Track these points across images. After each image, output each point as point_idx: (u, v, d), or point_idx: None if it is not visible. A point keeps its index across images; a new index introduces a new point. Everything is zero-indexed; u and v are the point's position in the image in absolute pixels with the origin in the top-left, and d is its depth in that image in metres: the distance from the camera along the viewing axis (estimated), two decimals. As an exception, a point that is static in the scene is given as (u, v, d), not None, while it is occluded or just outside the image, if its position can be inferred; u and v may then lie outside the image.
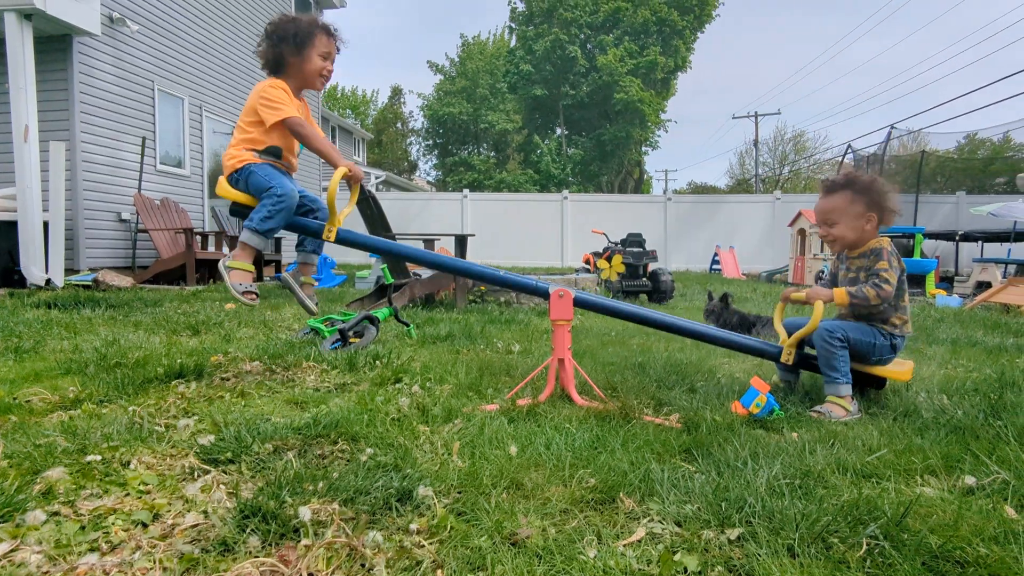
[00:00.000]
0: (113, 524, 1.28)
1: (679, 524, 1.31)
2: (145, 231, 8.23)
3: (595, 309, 2.58)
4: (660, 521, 1.32)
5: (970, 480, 1.53)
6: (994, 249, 13.12)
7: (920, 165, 17.01)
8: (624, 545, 1.23)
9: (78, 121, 7.59)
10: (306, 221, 2.53)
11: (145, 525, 1.29)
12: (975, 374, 2.90)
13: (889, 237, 2.38)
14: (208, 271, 8.38)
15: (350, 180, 2.44)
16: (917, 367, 3.08)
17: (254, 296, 2.19)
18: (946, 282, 11.14)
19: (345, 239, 2.53)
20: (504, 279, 2.66)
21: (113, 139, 8.18)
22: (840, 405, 2.20)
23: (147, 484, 1.47)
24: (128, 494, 1.42)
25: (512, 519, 1.31)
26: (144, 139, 8.55)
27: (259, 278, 8.88)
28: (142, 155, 8.46)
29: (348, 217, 2.60)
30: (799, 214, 12.80)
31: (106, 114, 8.05)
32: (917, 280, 9.84)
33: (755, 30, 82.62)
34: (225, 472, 1.57)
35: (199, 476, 1.54)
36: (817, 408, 2.21)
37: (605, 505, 1.42)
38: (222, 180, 2.45)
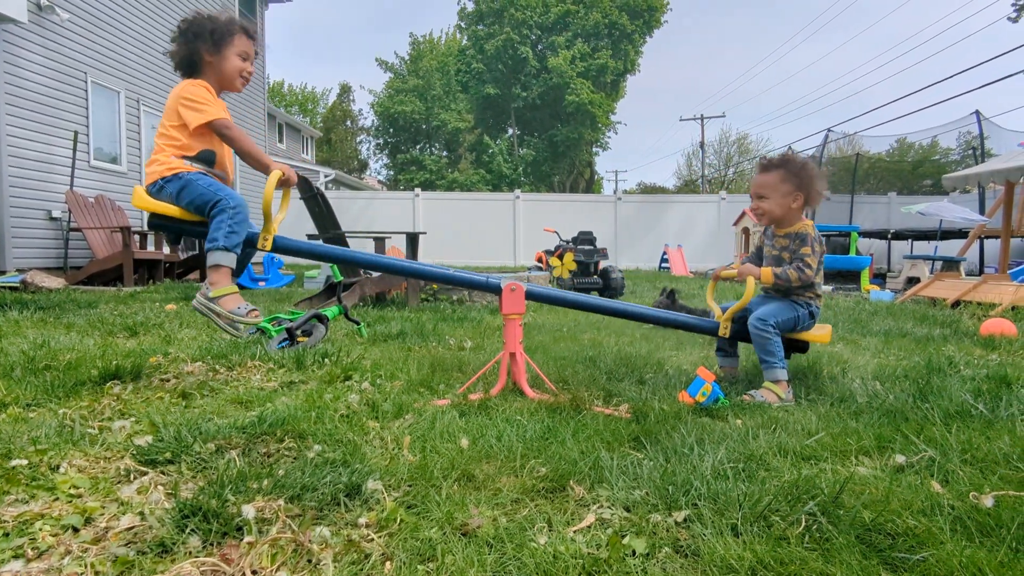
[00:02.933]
0: (41, 530, 1.21)
1: (628, 509, 1.33)
2: (78, 230, 7.83)
3: (547, 300, 2.61)
4: (609, 507, 1.34)
5: (900, 459, 1.61)
6: (922, 247, 13.87)
7: (855, 167, 17.81)
8: (574, 531, 1.24)
9: (3, 114, 7.15)
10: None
11: (76, 529, 1.23)
12: (905, 362, 3.06)
13: (814, 226, 2.54)
14: (147, 271, 8.03)
15: (283, 184, 2.27)
16: (852, 357, 3.23)
17: (257, 312, 2.03)
18: (879, 278, 11.70)
19: (282, 247, 2.35)
20: (455, 277, 2.64)
21: (42, 133, 7.75)
22: (774, 392, 2.31)
23: (78, 488, 1.40)
24: (57, 499, 1.35)
25: (463, 510, 1.31)
26: (76, 133, 8.13)
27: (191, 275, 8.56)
28: (74, 150, 8.04)
29: (293, 218, 2.48)
30: (743, 213, 13.21)
31: (34, 106, 7.61)
32: (853, 276, 10.32)
33: (701, 35, 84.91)
34: (164, 473, 1.51)
35: (135, 478, 1.47)
36: (750, 392, 2.31)
37: (556, 493, 1.43)
38: (140, 190, 2.18)
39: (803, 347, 2.64)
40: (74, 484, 1.41)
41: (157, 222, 2.26)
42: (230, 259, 2.05)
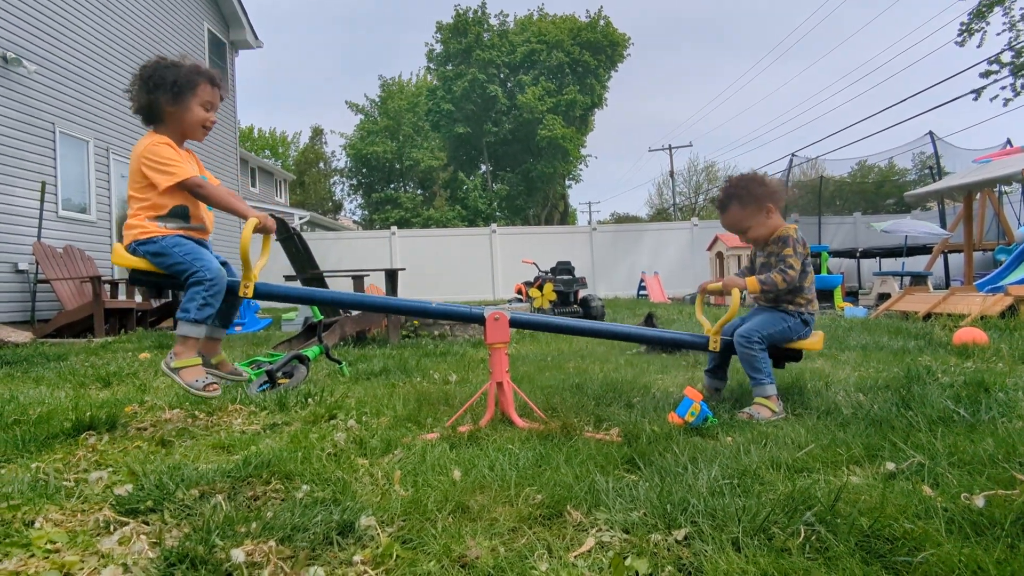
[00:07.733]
0: (16, 588, 1.15)
1: (627, 531, 1.32)
2: (46, 281, 7.65)
3: (531, 327, 2.62)
4: (608, 529, 1.32)
5: (890, 466, 1.62)
6: (890, 263, 14.22)
7: (820, 189, 18.33)
8: (575, 556, 1.22)
9: (-33, 167, 7.05)
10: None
11: (54, 586, 1.17)
12: (885, 373, 3.10)
13: (796, 228, 2.56)
14: (119, 321, 7.85)
15: (262, 231, 2.21)
16: (834, 371, 3.27)
17: (216, 387, 1.95)
18: (852, 295, 11.93)
19: (263, 292, 2.30)
20: (437, 311, 2.63)
21: (8, 184, 7.63)
22: (766, 406, 2.31)
23: (55, 542, 1.34)
24: (33, 555, 1.29)
25: (460, 542, 1.28)
26: (44, 184, 8.02)
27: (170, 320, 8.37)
28: (42, 201, 7.92)
29: (270, 261, 2.41)
30: (716, 238, 13.44)
31: (0, 159, 7.51)
32: (826, 295, 10.51)
33: (664, 68, 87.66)
34: (146, 522, 1.45)
35: (116, 529, 1.41)
36: (746, 410, 2.31)
37: (553, 519, 1.40)
38: (119, 247, 2.12)
39: (796, 356, 2.62)
40: (50, 539, 1.35)
41: (137, 277, 2.23)
42: (199, 331, 1.98)
